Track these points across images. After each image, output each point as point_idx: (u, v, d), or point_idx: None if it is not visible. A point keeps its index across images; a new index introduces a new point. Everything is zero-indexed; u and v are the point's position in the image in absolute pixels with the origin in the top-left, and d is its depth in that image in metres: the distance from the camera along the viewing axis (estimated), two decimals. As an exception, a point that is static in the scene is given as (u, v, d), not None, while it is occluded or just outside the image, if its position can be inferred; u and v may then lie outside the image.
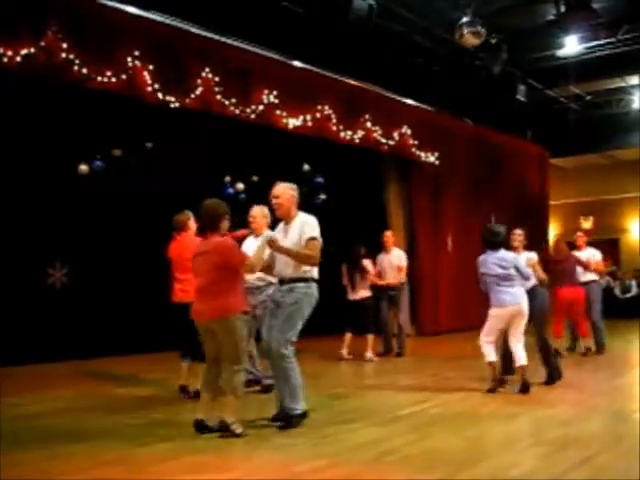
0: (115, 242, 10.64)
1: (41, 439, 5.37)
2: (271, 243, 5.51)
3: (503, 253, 7.25)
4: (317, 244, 5.61)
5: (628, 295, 18.33)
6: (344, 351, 10.16)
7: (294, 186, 5.82)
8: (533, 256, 8.01)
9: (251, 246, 7.27)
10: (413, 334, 13.36)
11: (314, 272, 5.73)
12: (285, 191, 5.74)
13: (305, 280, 5.64)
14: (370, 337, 10.11)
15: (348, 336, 10.16)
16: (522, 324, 7.23)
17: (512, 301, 7.16)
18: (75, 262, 10.59)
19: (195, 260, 5.45)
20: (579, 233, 11.14)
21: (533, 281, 8.11)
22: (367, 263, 10.13)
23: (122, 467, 4.59)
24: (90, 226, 10.44)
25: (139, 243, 10.74)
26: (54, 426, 5.85)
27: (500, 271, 7.16)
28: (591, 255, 10.60)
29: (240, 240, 7.00)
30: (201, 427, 5.36)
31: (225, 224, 5.52)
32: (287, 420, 5.57)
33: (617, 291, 18.43)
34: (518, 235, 8.13)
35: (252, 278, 6.93)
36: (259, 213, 7.42)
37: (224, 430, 5.24)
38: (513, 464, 4.52)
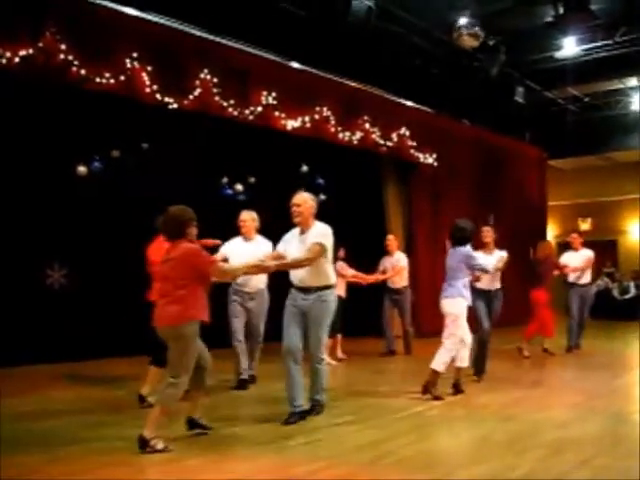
0: (113, 243, 10.60)
1: (40, 441, 5.35)
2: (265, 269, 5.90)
3: (460, 249, 7.36)
4: (319, 249, 5.87)
5: (627, 296, 18.34)
6: (338, 352, 10.20)
7: (314, 197, 6.20)
8: (503, 254, 8.16)
9: (242, 249, 7.33)
10: (412, 335, 13.35)
11: (334, 278, 6.19)
12: (306, 200, 6.06)
13: (329, 287, 6.08)
14: (338, 337, 10.15)
15: (338, 337, 10.15)
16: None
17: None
18: (74, 263, 10.56)
19: (162, 266, 5.35)
20: (573, 234, 11.21)
21: (498, 284, 8.32)
22: (341, 266, 10.04)
23: (123, 469, 4.58)
24: (89, 227, 10.41)
25: (137, 245, 10.69)
26: (53, 428, 5.83)
27: (450, 264, 7.37)
28: (585, 256, 10.66)
29: (212, 248, 7.00)
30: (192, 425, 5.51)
31: (192, 230, 5.48)
32: (318, 406, 6.16)
33: (615, 293, 18.45)
34: (487, 231, 8.41)
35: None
36: (249, 217, 7.51)
37: (142, 447, 4.94)
38: (512, 466, 4.53)
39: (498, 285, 8.56)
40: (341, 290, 9.91)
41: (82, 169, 10.41)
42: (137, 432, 4.97)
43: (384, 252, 10.86)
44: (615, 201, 20.43)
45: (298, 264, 5.90)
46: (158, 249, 6.58)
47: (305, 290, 6.03)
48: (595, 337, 12.22)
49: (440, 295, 7.36)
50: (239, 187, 12.42)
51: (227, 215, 7.98)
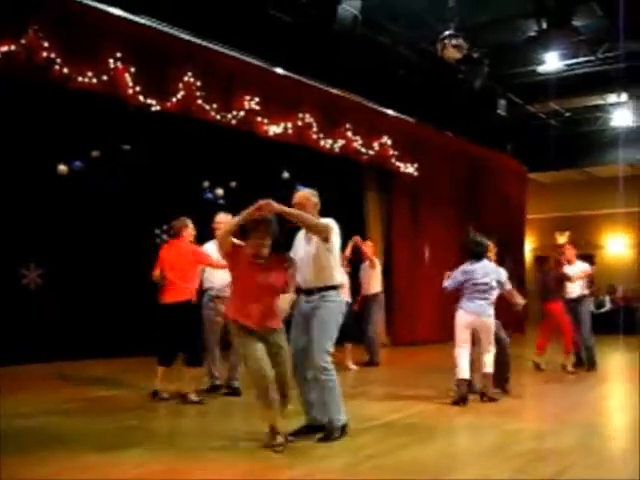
0: (91, 244, 10.54)
1: (17, 442, 5.28)
2: (264, 206, 5.10)
3: (486, 263, 7.40)
4: (329, 225, 5.46)
5: (602, 310, 18.51)
6: (349, 362, 9.99)
7: (315, 192, 5.73)
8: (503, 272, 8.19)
9: (218, 254, 7.23)
10: (388, 344, 13.38)
11: (339, 278, 5.73)
12: (308, 198, 5.62)
13: (334, 288, 5.58)
14: (348, 346, 9.97)
15: (349, 346, 9.99)
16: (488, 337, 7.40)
17: (483, 312, 7.34)
18: (50, 263, 10.48)
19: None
20: (568, 247, 10.72)
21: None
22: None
23: (97, 471, 4.54)
24: (66, 227, 10.34)
25: (115, 245, 10.67)
26: (30, 429, 5.77)
27: (484, 280, 7.32)
28: (579, 269, 10.47)
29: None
30: None
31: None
32: (331, 431, 5.48)
33: (591, 307, 18.56)
34: (490, 246, 8.37)
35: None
36: (224, 220, 7.45)
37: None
38: (486, 477, 4.53)
39: None
40: (346, 295, 9.86)
41: (62, 168, 10.33)
42: (113, 434, 4.93)
43: (361, 260, 10.76)
44: (592, 215, 20.63)
45: (303, 217, 5.31)
46: (186, 252, 7.12)
47: (308, 292, 5.55)
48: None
49: (476, 311, 7.34)
50: (220, 191, 12.38)
51: (207, 219, 7.95)
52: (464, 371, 7.27)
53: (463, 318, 7.38)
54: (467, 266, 7.47)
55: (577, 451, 5.28)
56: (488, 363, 7.35)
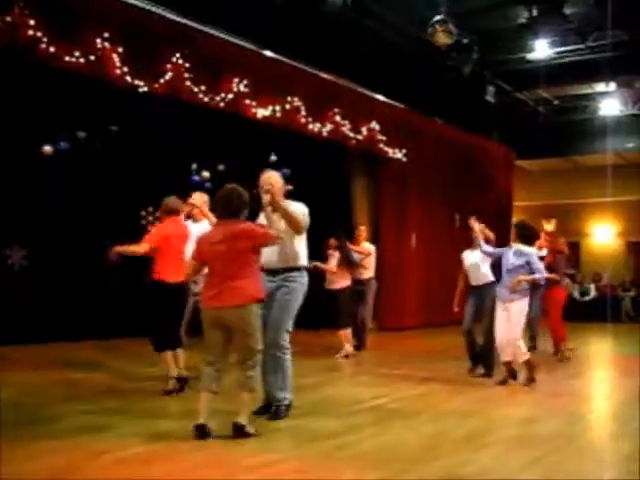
0: (76, 225, 10.48)
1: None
2: (272, 201, 5.32)
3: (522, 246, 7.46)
4: (306, 221, 5.68)
5: (586, 298, 18.63)
6: (348, 347, 9.87)
7: (280, 174, 5.92)
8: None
9: (194, 231, 7.16)
10: (374, 329, 13.40)
11: (305, 260, 5.84)
12: (277, 181, 5.70)
13: (298, 269, 5.74)
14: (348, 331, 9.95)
15: (348, 331, 9.94)
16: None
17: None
18: (34, 244, 10.42)
19: (216, 246, 5.06)
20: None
21: (489, 278, 8.28)
22: (333, 255, 10.02)
23: (74, 453, 4.53)
24: (50, 208, 10.27)
25: (100, 227, 10.61)
26: (10, 410, 5.73)
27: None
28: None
29: None
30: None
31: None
32: (277, 411, 5.62)
33: (576, 294, 18.70)
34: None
35: None
36: (200, 199, 7.39)
37: (238, 433, 4.93)
38: (466, 462, 4.55)
39: (489, 279, 8.38)
40: (347, 280, 9.89)
41: (47, 149, 10.24)
42: (90, 419, 4.89)
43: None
44: (579, 204, 20.69)
45: (289, 212, 5.50)
46: (171, 228, 6.75)
47: (272, 272, 5.68)
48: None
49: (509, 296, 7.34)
50: (206, 174, 12.32)
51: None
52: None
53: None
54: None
55: (559, 438, 5.31)
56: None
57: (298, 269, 5.75)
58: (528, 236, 7.54)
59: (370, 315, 10.97)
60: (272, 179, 5.67)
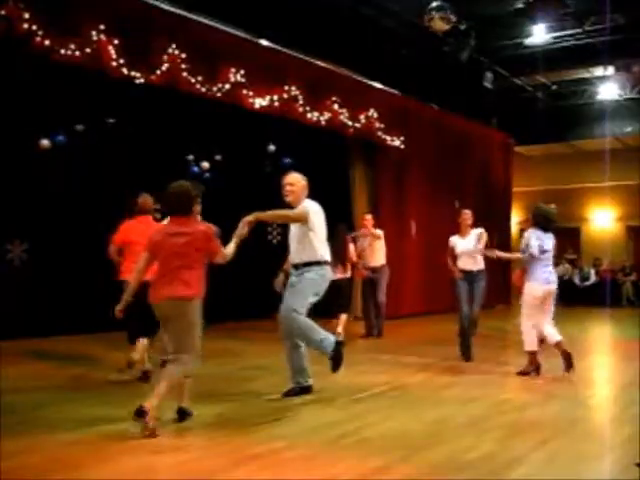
0: (75, 219, 10.46)
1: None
2: (249, 222, 5.63)
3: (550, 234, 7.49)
4: (302, 211, 6.06)
5: (587, 283, 18.65)
6: (338, 328, 9.81)
7: (305, 177, 6.30)
8: (480, 230, 8.46)
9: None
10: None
11: (326, 255, 6.22)
12: (299, 180, 6.23)
13: (318, 263, 6.13)
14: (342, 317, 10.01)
15: (343, 317, 9.99)
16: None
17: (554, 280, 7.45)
18: (34, 239, 10.40)
19: (168, 240, 5.17)
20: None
21: (481, 264, 8.41)
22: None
23: (77, 446, 4.54)
24: (49, 202, 10.25)
25: (99, 220, 10.58)
26: (11, 403, 5.72)
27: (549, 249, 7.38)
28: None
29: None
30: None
31: (197, 207, 5.55)
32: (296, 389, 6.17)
33: (576, 279, 18.73)
34: (466, 214, 8.71)
35: None
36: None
37: (139, 416, 4.83)
38: (470, 447, 4.57)
39: (481, 266, 8.59)
40: (347, 272, 10.01)
41: (45, 142, 10.22)
42: (85, 412, 4.88)
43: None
44: (579, 189, 20.70)
45: (276, 215, 6.33)
46: (140, 227, 6.87)
47: (295, 267, 6.20)
48: (555, 323, 12.35)
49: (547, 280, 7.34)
50: (205, 164, 12.31)
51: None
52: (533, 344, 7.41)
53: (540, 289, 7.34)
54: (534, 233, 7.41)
55: (559, 423, 5.33)
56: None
57: (318, 263, 6.13)
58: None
59: (384, 301, 10.98)
60: (292, 178, 6.22)
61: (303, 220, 6.05)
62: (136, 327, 6.93)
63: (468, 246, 8.43)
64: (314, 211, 6.10)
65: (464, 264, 8.49)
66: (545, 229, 7.39)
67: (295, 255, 6.21)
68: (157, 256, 5.25)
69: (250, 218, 5.64)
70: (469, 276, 8.47)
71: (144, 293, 6.77)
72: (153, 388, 4.95)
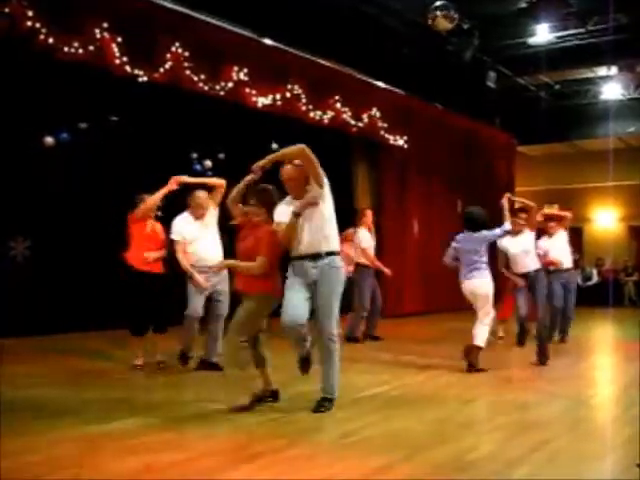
0: (79, 216, 10.46)
1: (3, 414, 5.27)
2: (261, 166, 5.73)
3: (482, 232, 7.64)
4: (319, 172, 5.66)
5: (589, 283, 18.63)
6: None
7: (298, 164, 5.82)
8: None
9: (190, 229, 7.36)
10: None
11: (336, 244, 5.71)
12: (296, 171, 5.75)
13: (338, 253, 5.65)
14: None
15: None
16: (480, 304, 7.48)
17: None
18: (38, 235, 10.41)
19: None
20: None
21: (537, 264, 8.48)
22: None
23: (78, 444, 4.54)
24: (53, 199, 10.26)
25: (103, 217, 10.59)
26: (13, 402, 5.74)
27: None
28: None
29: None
30: None
31: None
32: (326, 403, 5.58)
33: (578, 279, 18.70)
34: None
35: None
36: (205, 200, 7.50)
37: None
38: (472, 447, 4.57)
39: (538, 265, 8.49)
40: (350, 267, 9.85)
41: (49, 140, 10.23)
42: (97, 408, 4.89)
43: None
44: (581, 188, 20.67)
45: (287, 153, 5.84)
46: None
47: (315, 257, 5.49)
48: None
49: (467, 277, 7.48)
50: (208, 163, 12.30)
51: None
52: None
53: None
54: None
55: (562, 423, 5.33)
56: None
57: (338, 253, 5.65)
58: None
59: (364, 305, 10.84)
60: (290, 173, 5.78)
61: (314, 160, 5.61)
62: (143, 319, 7.18)
63: (525, 246, 8.41)
64: (326, 183, 5.61)
65: (521, 266, 8.44)
66: (474, 230, 7.57)
67: (315, 242, 5.50)
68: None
69: (263, 162, 5.57)
70: (527, 277, 8.40)
71: (153, 285, 6.99)
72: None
